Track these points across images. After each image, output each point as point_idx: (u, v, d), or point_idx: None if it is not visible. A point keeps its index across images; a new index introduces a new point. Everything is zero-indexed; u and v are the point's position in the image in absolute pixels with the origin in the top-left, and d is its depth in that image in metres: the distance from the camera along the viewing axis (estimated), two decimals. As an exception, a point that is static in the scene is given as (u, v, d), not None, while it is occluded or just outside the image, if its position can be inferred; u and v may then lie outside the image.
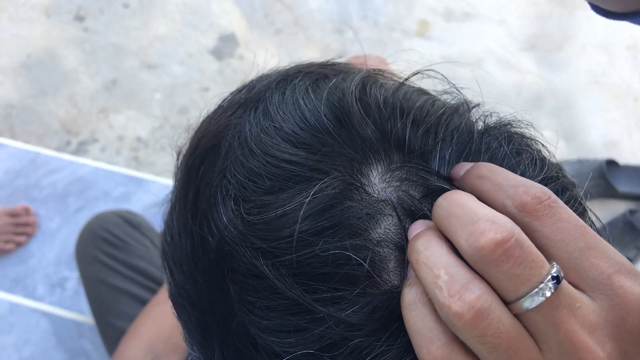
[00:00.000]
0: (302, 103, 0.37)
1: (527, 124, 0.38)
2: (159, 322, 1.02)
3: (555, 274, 0.27)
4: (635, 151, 1.84)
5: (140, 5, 2.01)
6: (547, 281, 0.27)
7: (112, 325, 1.10)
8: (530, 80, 1.96)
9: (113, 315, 1.10)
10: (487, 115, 0.38)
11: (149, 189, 1.69)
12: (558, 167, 0.37)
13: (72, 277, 1.55)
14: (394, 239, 0.32)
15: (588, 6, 0.43)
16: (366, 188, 0.33)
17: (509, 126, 0.37)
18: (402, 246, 0.32)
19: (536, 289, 0.27)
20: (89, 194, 1.67)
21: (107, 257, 1.14)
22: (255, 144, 0.36)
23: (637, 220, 1.60)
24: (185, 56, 1.93)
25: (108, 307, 1.12)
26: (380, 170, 0.34)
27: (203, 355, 0.39)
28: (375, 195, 0.33)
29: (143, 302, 1.11)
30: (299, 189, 0.33)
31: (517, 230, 0.27)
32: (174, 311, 0.41)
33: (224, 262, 0.34)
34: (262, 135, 0.36)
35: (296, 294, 0.32)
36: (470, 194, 0.30)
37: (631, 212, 1.64)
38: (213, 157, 0.37)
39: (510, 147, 0.35)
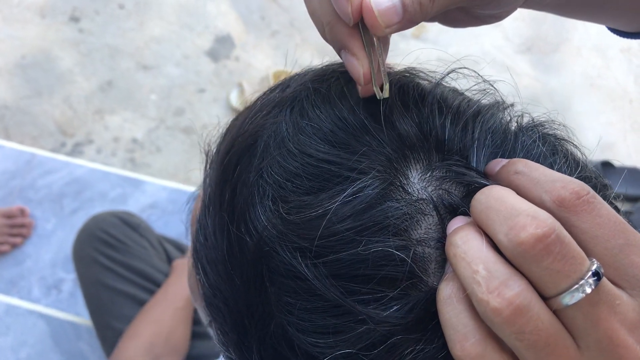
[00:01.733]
0: (339, 102, 0.37)
1: (559, 125, 0.38)
2: (158, 323, 1.02)
3: (595, 270, 0.27)
4: (630, 153, 1.85)
5: (136, 7, 2.00)
6: (588, 277, 0.26)
7: (110, 327, 1.09)
8: (526, 82, 1.96)
9: (111, 317, 1.10)
10: (519, 116, 0.38)
11: (146, 190, 1.68)
12: (590, 169, 0.37)
13: (68, 279, 1.54)
14: (435, 238, 0.32)
15: None
16: (405, 187, 0.33)
17: (543, 127, 0.37)
18: (443, 246, 0.31)
19: (576, 285, 0.26)
20: (84, 195, 1.66)
21: (105, 259, 1.13)
22: (293, 144, 0.36)
23: (633, 222, 1.61)
24: (181, 57, 1.92)
25: (106, 308, 1.11)
26: (419, 169, 0.34)
27: (239, 357, 0.39)
28: (415, 195, 0.33)
29: (142, 304, 1.10)
30: (338, 190, 0.33)
31: (558, 225, 0.27)
32: (208, 312, 0.41)
33: (262, 262, 0.34)
34: (299, 135, 0.36)
35: (336, 296, 0.31)
36: (509, 189, 0.30)
37: (627, 213, 1.64)
38: (249, 156, 0.37)
39: (545, 146, 0.35)
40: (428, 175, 0.33)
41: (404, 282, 0.31)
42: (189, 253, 0.46)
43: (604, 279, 0.27)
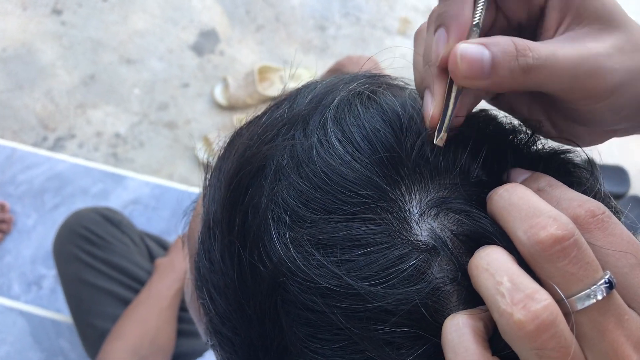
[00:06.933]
0: (361, 123, 0.35)
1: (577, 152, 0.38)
2: (144, 323, 1.01)
3: (608, 279, 0.27)
4: (612, 151, 1.87)
5: (120, 0, 1.98)
6: (601, 284, 0.26)
7: (91, 325, 1.08)
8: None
9: (93, 315, 1.08)
10: (538, 139, 0.38)
11: (128, 185, 1.67)
12: (608, 197, 0.36)
13: (49, 275, 1.52)
14: (451, 275, 0.31)
15: None
16: (414, 233, 0.32)
17: (564, 155, 0.37)
18: (460, 281, 0.31)
19: (588, 290, 0.26)
20: (66, 190, 1.64)
21: (86, 255, 1.12)
22: (308, 169, 0.34)
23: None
24: (165, 51, 1.90)
25: (87, 306, 1.10)
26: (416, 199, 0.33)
27: None
28: (426, 240, 0.32)
29: (124, 302, 1.09)
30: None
31: (577, 231, 0.27)
32: (213, 339, 0.39)
33: (277, 293, 0.33)
34: (317, 159, 0.34)
35: (358, 332, 0.31)
36: (531, 190, 0.30)
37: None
38: (261, 179, 0.35)
39: (567, 177, 0.35)
40: (438, 213, 0.32)
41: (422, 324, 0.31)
42: (188, 273, 0.45)
43: (615, 291, 0.27)
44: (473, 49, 0.31)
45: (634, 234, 0.30)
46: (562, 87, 0.32)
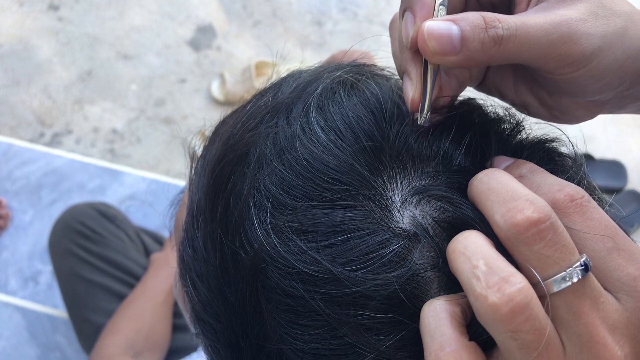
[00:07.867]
0: (344, 111, 0.35)
1: (562, 139, 0.38)
2: (139, 318, 1.01)
3: (584, 262, 0.27)
4: (610, 145, 1.86)
5: (116, -5, 1.98)
6: (576, 267, 0.27)
7: (87, 320, 1.08)
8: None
9: (88, 310, 1.08)
10: (524, 127, 0.38)
11: (125, 181, 1.67)
12: (593, 187, 0.37)
13: (46, 271, 1.52)
14: (432, 262, 0.31)
15: None
16: (394, 218, 0.32)
17: (549, 143, 0.37)
18: (441, 267, 0.31)
19: (564, 273, 0.26)
20: (63, 186, 1.64)
21: (82, 251, 1.12)
22: (291, 156, 0.34)
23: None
24: (162, 47, 1.90)
25: (83, 301, 1.10)
26: (406, 188, 0.33)
27: None
28: (407, 227, 0.32)
29: (119, 297, 1.09)
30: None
31: (554, 215, 0.27)
32: (197, 327, 0.39)
33: (258, 280, 0.33)
34: (299, 146, 0.34)
35: (337, 317, 0.31)
36: (510, 175, 0.30)
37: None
38: (244, 166, 0.35)
39: (550, 166, 0.35)
40: (419, 197, 0.32)
41: (403, 311, 0.31)
42: (174, 262, 0.45)
43: (591, 274, 0.27)
44: (440, 25, 0.31)
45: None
46: (538, 56, 0.32)
